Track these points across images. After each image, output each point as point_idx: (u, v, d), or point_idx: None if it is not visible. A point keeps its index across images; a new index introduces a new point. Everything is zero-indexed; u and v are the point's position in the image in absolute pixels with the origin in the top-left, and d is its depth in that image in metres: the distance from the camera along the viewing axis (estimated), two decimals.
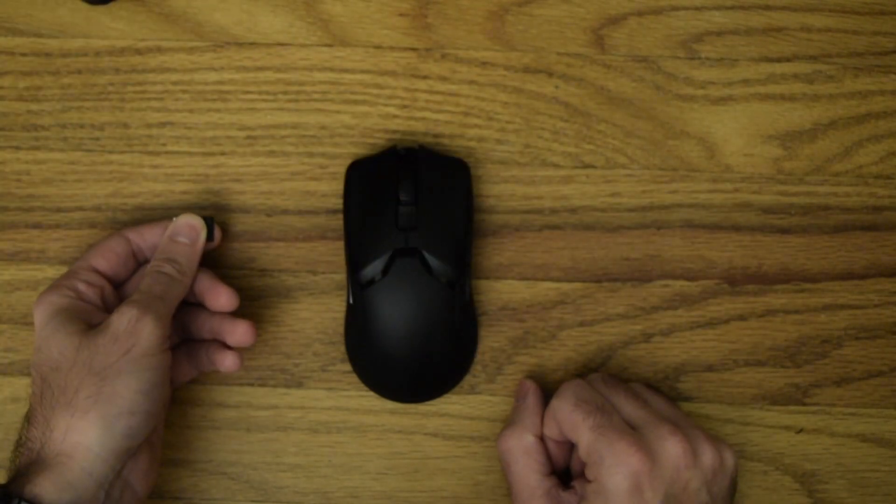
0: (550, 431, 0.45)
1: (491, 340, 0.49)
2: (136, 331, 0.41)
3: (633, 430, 0.42)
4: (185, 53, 0.49)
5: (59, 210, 0.49)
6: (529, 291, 0.49)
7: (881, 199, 0.49)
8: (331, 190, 0.49)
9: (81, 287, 0.44)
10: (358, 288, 0.46)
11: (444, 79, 0.49)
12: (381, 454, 0.49)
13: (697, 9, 0.50)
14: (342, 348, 0.49)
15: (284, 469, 0.49)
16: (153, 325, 0.42)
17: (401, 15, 0.50)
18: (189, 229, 0.46)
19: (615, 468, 0.41)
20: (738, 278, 0.49)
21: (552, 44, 0.49)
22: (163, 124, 0.49)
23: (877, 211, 0.49)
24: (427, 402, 0.49)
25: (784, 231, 0.49)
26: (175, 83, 0.49)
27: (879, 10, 0.50)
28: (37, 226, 0.49)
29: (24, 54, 0.50)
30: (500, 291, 0.49)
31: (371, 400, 0.49)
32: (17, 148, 0.49)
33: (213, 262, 0.49)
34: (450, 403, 0.49)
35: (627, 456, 0.41)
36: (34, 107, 0.50)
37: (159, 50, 0.50)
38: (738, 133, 0.49)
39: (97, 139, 0.49)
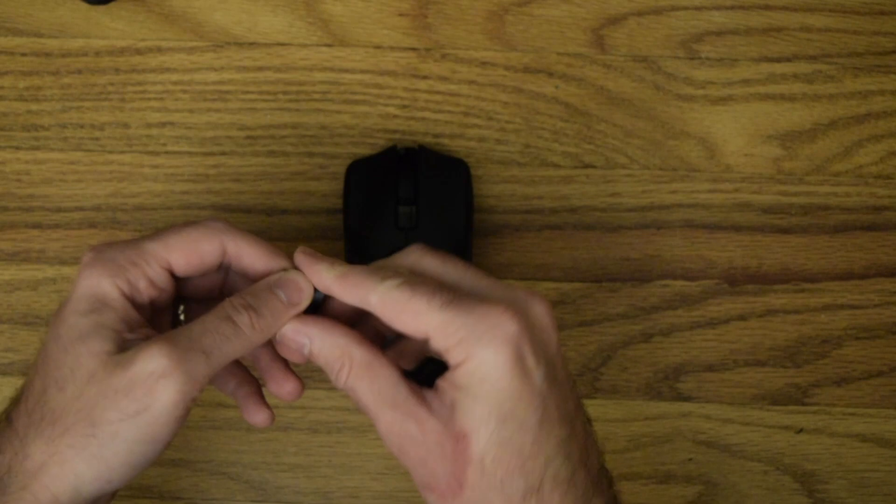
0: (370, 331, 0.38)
1: None
2: (154, 389, 0.33)
3: (489, 297, 0.35)
4: (185, 53, 0.49)
5: (59, 210, 0.49)
6: None
7: (881, 199, 0.49)
8: (331, 190, 0.49)
9: (142, 285, 0.36)
10: None
11: (444, 79, 0.49)
12: (381, 454, 0.49)
13: (697, 9, 0.50)
14: None
15: (284, 469, 0.49)
16: (178, 387, 0.33)
17: (401, 15, 0.50)
18: (295, 290, 0.37)
19: (488, 336, 0.33)
20: (738, 278, 0.49)
21: (552, 44, 0.49)
22: (163, 124, 0.49)
23: (877, 211, 0.49)
24: None
25: (784, 231, 0.49)
26: (175, 83, 0.49)
27: (879, 10, 0.50)
28: (37, 226, 0.49)
29: (24, 54, 0.50)
30: None
31: None
32: (17, 148, 0.49)
33: None
34: None
35: (500, 319, 0.34)
36: (34, 107, 0.50)
37: (159, 50, 0.50)
38: (738, 133, 0.49)
39: (97, 139, 0.49)
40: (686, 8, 0.50)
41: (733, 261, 0.49)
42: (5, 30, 0.50)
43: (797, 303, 0.49)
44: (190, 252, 0.36)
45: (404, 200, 0.46)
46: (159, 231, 0.37)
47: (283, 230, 0.49)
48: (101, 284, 0.35)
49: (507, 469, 0.34)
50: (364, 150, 0.49)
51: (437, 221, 0.46)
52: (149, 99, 0.49)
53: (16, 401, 0.36)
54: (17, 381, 0.49)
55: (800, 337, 0.49)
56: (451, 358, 0.34)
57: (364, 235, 0.46)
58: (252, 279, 0.37)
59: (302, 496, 0.49)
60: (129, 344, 0.35)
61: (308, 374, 0.49)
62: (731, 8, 0.50)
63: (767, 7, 0.50)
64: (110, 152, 0.49)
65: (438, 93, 0.49)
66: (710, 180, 0.49)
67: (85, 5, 0.50)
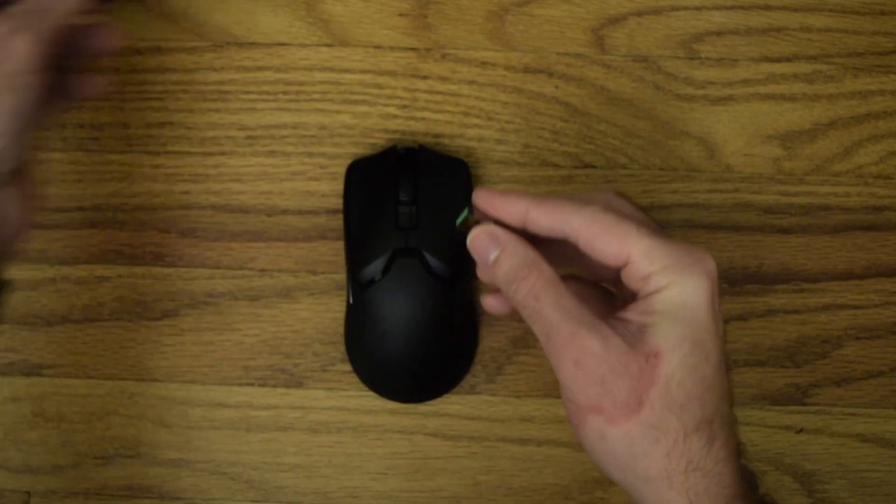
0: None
1: (491, 340, 0.49)
2: (8, 47, 0.36)
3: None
4: (185, 53, 0.49)
5: (59, 210, 0.49)
6: None
7: (881, 199, 0.49)
8: (331, 190, 0.49)
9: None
10: (358, 288, 0.46)
11: (444, 79, 0.49)
12: (381, 454, 0.49)
13: (697, 9, 0.50)
14: (342, 348, 0.49)
15: (284, 469, 0.49)
16: (31, 41, 0.36)
17: (401, 15, 0.50)
18: None
19: (694, 267, 0.35)
20: (738, 278, 0.49)
21: (552, 44, 0.49)
22: (163, 124, 0.49)
23: (877, 211, 0.49)
24: (427, 402, 0.49)
25: (784, 231, 0.49)
26: (175, 83, 0.49)
27: (879, 10, 0.50)
28: (37, 226, 0.49)
29: None
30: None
31: (371, 400, 0.49)
32: None
33: (213, 262, 0.49)
34: (450, 403, 0.49)
35: (704, 256, 0.35)
36: None
37: (159, 50, 0.50)
38: (738, 133, 0.49)
39: (97, 139, 0.49)
40: (686, 8, 0.50)
41: (733, 261, 0.49)
42: None
43: (797, 303, 0.49)
44: None
45: (404, 200, 0.46)
46: None
47: (283, 230, 0.49)
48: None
49: (688, 394, 0.35)
50: (364, 150, 0.49)
51: (437, 221, 0.46)
52: (149, 99, 0.49)
53: None
54: (17, 381, 0.49)
55: (800, 337, 0.49)
56: (651, 284, 0.35)
57: (364, 235, 0.46)
58: None
59: (302, 496, 0.49)
60: None
61: (308, 374, 0.49)
62: (731, 8, 0.50)
63: (767, 7, 0.50)
64: (110, 152, 0.49)
65: (438, 93, 0.49)
66: (710, 180, 0.49)
67: None
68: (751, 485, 0.36)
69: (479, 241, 0.37)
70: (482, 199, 0.38)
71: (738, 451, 0.36)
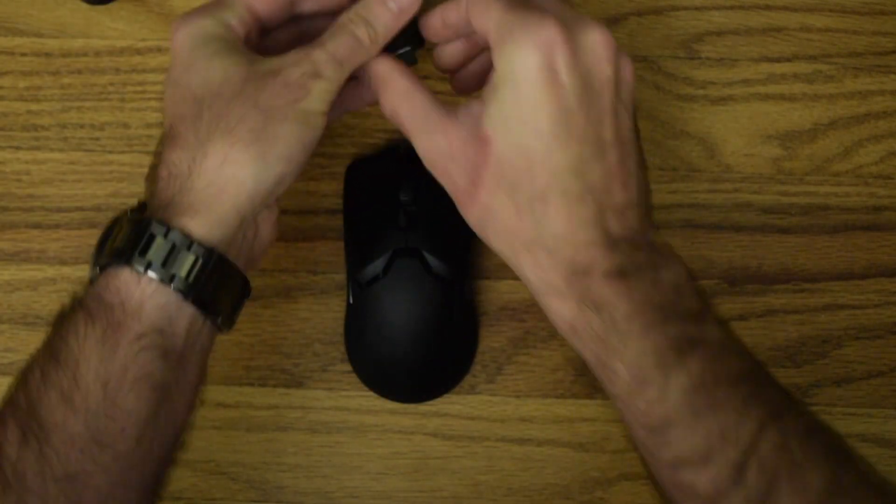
0: (448, 28, 0.41)
1: (491, 340, 0.49)
2: (307, 86, 0.38)
3: (549, 12, 0.37)
4: None
5: (59, 210, 0.49)
6: (529, 291, 0.49)
7: (881, 199, 0.49)
8: (331, 190, 0.49)
9: (233, 22, 0.39)
10: (358, 288, 0.46)
11: (444, 78, 0.49)
12: (381, 454, 0.49)
13: (697, 9, 0.50)
14: (342, 348, 0.49)
15: (284, 469, 0.49)
16: (325, 88, 0.38)
17: None
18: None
19: (525, 38, 0.35)
20: (738, 278, 0.49)
21: None
22: (162, 124, 0.49)
23: (877, 211, 0.49)
24: (427, 402, 0.49)
25: (784, 231, 0.49)
26: None
27: (879, 10, 0.50)
28: (37, 226, 0.49)
29: (24, 54, 0.50)
30: (500, 291, 0.49)
31: (371, 400, 0.49)
32: (17, 148, 0.49)
33: None
34: (450, 403, 0.49)
35: (540, 25, 0.36)
36: (34, 107, 0.50)
37: (159, 50, 0.50)
38: (738, 133, 0.49)
39: (97, 139, 0.49)
40: (686, 8, 0.50)
41: (733, 261, 0.49)
42: (5, 30, 0.50)
43: (797, 303, 0.49)
44: None
45: (404, 200, 0.46)
46: None
47: (283, 230, 0.49)
48: (201, 25, 0.39)
49: (516, 172, 0.36)
50: (364, 150, 0.49)
51: (437, 221, 0.46)
52: (149, 99, 0.49)
53: (172, 124, 0.39)
54: None
55: (800, 337, 0.49)
56: (495, 58, 0.37)
57: (364, 235, 0.46)
58: (327, 14, 0.41)
59: (302, 496, 0.49)
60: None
61: (308, 374, 0.49)
62: (731, 8, 0.50)
63: (767, 7, 0.50)
64: (110, 152, 0.49)
65: (438, 92, 0.49)
66: (710, 180, 0.49)
67: (85, 5, 0.50)
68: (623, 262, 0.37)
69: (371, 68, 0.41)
70: (428, 28, 0.41)
71: (598, 219, 0.37)
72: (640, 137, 0.39)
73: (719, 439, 0.36)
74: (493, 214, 0.38)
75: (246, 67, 0.38)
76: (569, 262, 0.37)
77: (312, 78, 0.38)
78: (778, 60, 0.50)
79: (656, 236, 0.39)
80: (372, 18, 0.39)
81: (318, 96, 0.38)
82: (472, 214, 0.38)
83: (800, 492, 0.35)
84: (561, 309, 0.38)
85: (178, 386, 0.38)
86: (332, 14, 0.40)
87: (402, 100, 0.39)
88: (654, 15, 0.50)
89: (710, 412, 0.36)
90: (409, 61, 0.41)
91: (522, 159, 0.36)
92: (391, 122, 0.40)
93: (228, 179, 0.37)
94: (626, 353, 0.36)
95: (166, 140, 0.38)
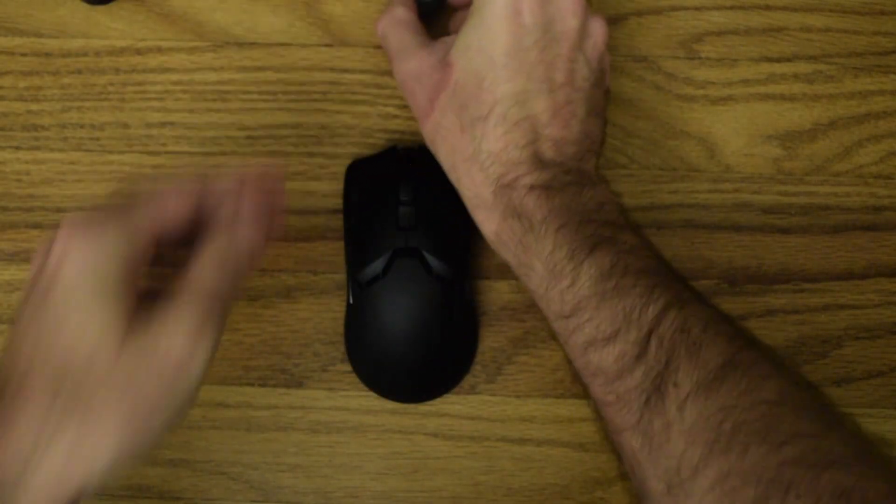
0: None
1: (491, 340, 0.49)
2: (190, 361, 0.34)
3: None
4: (185, 53, 0.49)
5: (59, 210, 0.49)
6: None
7: (881, 199, 0.49)
8: (331, 190, 0.49)
9: (139, 253, 0.35)
10: (358, 288, 0.46)
11: None
12: (381, 454, 0.49)
13: (697, 9, 0.50)
14: (342, 348, 0.49)
15: (284, 469, 0.49)
16: (210, 346, 0.34)
17: None
18: (258, 207, 0.38)
19: None
20: (738, 278, 0.49)
21: None
22: (163, 124, 0.49)
23: (877, 211, 0.49)
24: (427, 402, 0.49)
25: (784, 231, 0.49)
26: (175, 83, 0.49)
27: (879, 10, 0.50)
28: (37, 226, 0.49)
29: (24, 54, 0.50)
30: (500, 291, 0.49)
31: (371, 400, 0.49)
32: (17, 148, 0.49)
33: None
34: (450, 403, 0.49)
35: None
36: (34, 107, 0.50)
37: (159, 50, 0.50)
38: (738, 133, 0.49)
39: (97, 139, 0.49)
40: (686, 8, 0.50)
41: (733, 261, 0.49)
42: (5, 30, 0.50)
43: (797, 303, 0.49)
44: (169, 215, 0.37)
45: (404, 201, 0.46)
46: (136, 198, 0.36)
47: (283, 230, 0.49)
48: (102, 250, 0.34)
49: (467, 95, 0.41)
50: (364, 150, 0.49)
51: (437, 221, 0.46)
52: (149, 99, 0.49)
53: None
54: None
55: (800, 337, 0.49)
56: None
57: (364, 235, 0.46)
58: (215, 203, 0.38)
59: (302, 496, 0.49)
60: (144, 318, 0.34)
61: (308, 374, 0.49)
62: (731, 8, 0.50)
63: (767, 7, 0.50)
64: (110, 152, 0.49)
65: None
66: (710, 180, 0.49)
67: (85, 5, 0.50)
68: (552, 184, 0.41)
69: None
70: None
71: (517, 142, 0.41)
72: (609, 98, 0.44)
73: (624, 321, 0.39)
74: (441, 131, 0.42)
75: (124, 331, 0.33)
76: (498, 177, 0.41)
77: (197, 344, 0.34)
78: (778, 60, 0.50)
79: (595, 173, 0.43)
80: (245, 245, 0.37)
81: (202, 364, 0.34)
82: (427, 130, 0.43)
83: (696, 366, 0.38)
84: (488, 220, 0.42)
85: None
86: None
87: (393, 27, 0.44)
88: (654, 15, 0.50)
89: (617, 297, 0.39)
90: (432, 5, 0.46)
91: (474, 84, 0.41)
92: (381, 43, 0.45)
93: (73, 478, 0.32)
94: (542, 250, 0.40)
95: None
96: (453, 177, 0.43)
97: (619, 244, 0.40)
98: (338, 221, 0.49)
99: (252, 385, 0.49)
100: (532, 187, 0.41)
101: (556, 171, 0.41)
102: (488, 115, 0.41)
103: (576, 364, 0.41)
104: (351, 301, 0.47)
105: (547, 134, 0.41)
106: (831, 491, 0.34)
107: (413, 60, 0.43)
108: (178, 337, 0.33)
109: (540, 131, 0.41)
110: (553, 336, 0.49)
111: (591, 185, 0.42)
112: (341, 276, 0.49)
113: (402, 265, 0.45)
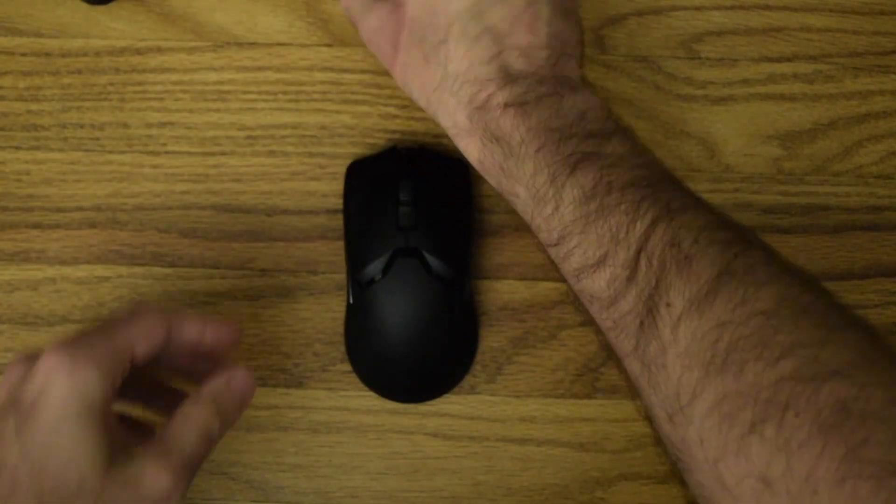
0: None
1: (491, 340, 0.49)
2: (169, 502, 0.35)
3: None
4: (185, 53, 0.50)
5: (59, 210, 0.49)
6: (529, 291, 0.49)
7: (881, 199, 0.49)
8: (331, 190, 0.49)
9: (118, 376, 0.36)
10: (358, 288, 0.46)
11: None
12: (381, 454, 0.49)
13: (697, 9, 0.50)
14: (342, 348, 0.49)
15: (284, 469, 0.49)
16: (182, 498, 0.36)
17: None
18: (248, 387, 0.39)
19: None
20: None
21: None
22: (163, 124, 0.49)
23: (877, 211, 0.49)
24: (427, 402, 0.49)
25: (784, 231, 0.49)
26: (175, 83, 0.49)
27: (879, 10, 0.50)
28: (37, 226, 0.49)
29: (24, 54, 0.50)
30: (500, 291, 0.49)
31: (371, 400, 0.49)
32: (17, 148, 0.49)
33: (214, 262, 0.49)
34: (450, 403, 0.49)
35: None
36: (34, 107, 0.50)
37: (159, 50, 0.50)
38: (738, 133, 0.49)
39: (97, 139, 0.49)
40: (686, 8, 0.50)
41: None
42: (5, 30, 0.50)
43: None
44: (145, 336, 0.37)
45: (404, 200, 0.46)
46: (110, 323, 0.37)
47: (283, 230, 0.49)
48: (88, 381, 0.35)
49: (423, 26, 0.41)
50: (364, 150, 0.49)
51: (437, 221, 0.46)
52: (149, 99, 0.49)
53: None
54: None
55: None
56: None
57: (364, 235, 0.46)
58: (186, 346, 0.40)
59: (302, 496, 0.49)
60: (120, 445, 0.35)
61: (308, 374, 0.49)
62: (731, 8, 0.50)
63: (767, 7, 0.50)
64: (110, 152, 0.49)
65: None
66: (710, 180, 0.49)
67: (85, 5, 0.50)
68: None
69: None
70: None
71: (481, 57, 0.40)
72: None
73: (611, 243, 0.36)
74: (408, 70, 0.42)
75: (107, 466, 0.34)
76: (469, 99, 0.40)
77: (174, 489, 0.35)
78: (778, 60, 0.50)
79: (577, 77, 0.41)
80: (228, 413, 0.38)
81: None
82: (397, 76, 0.43)
83: (688, 281, 0.35)
84: (469, 147, 0.40)
85: None
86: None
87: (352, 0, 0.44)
88: (654, 15, 0.50)
89: (602, 219, 0.37)
90: None
91: (427, 13, 0.41)
92: (348, 19, 0.45)
93: None
94: (523, 175, 0.38)
95: None
96: (431, 112, 0.42)
97: (602, 158, 0.38)
98: (338, 221, 0.49)
99: None
100: (506, 105, 0.39)
101: (529, 82, 0.39)
102: (447, 37, 0.40)
103: (573, 291, 0.39)
104: (351, 301, 0.47)
105: (511, 43, 0.39)
106: (832, 405, 0.32)
107: (371, 15, 0.43)
108: (156, 485, 0.35)
109: (503, 41, 0.39)
110: (553, 336, 0.49)
111: (572, 92, 0.39)
112: (341, 276, 0.49)
113: (402, 265, 0.45)
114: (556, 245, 0.38)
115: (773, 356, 0.33)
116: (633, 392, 0.39)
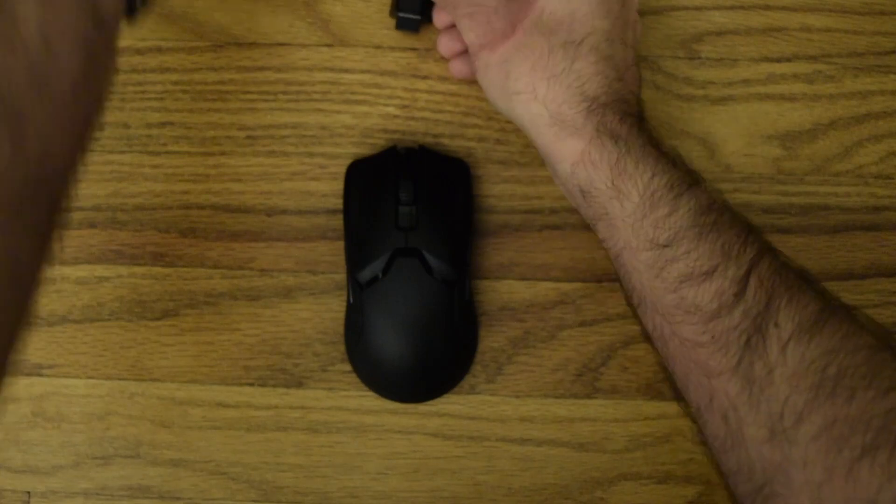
0: None
1: (491, 340, 0.49)
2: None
3: None
4: (185, 53, 0.49)
5: None
6: (529, 291, 0.49)
7: (881, 199, 0.49)
8: (331, 190, 0.49)
9: None
10: (358, 288, 0.46)
11: (444, 79, 0.49)
12: (381, 454, 0.49)
13: (697, 9, 0.50)
14: (342, 348, 0.49)
15: (284, 469, 0.49)
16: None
17: None
18: None
19: None
20: None
21: None
22: (163, 124, 0.49)
23: (877, 211, 0.49)
24: (427, 402, 0.49)
25: (784, 231, 0.49)
26: (175, 83, 0.49)
27: (879, 10, 0.50)
28: None
29: None
30: (500, 291, 0.49)
31: (371, 400, 0.49)
32: None
33: (213, 262, 0.49)
34: (450, 403, 0.49)
35: None
36: None
37: (159, 50, 0.50)
38: (738, 133, 0.49)
39: (97, 139, 0.49)
40: (686, 8, 0.50)
41: None
42: None
43: None
44: None
45: (404, 201, 0.46)
46: None
47: (283, 230, 0.49)
48: None
49: (558, 22, 0.42)
50: (364, 150, 0.49)
51: (437, 221, 0.46)
52: (149, 99, 0.49)
53: None
54: (18, 381, 0.49)
55: None
56: None
57: (364, 235, 0.46)
58: None
59: (302, 496, 0.49)
60: None
61: (308, 374, 0.49)
62: (731, 8, 0.50)
63: (767, 7, 0.50)
64: (110, 152, 0.49)
65: (438, 93, 0.49)
66: (710, 180, 0.49)
67: None
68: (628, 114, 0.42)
69: None
70: None
71: (606, 74, 0.42)
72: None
73: (723, 256, 0.38)
74: (524, 50, 0.42)
75: None
76: (593, 97, 0.41)
77: None
78: (778, 60, 0.50)
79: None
80: None
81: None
82: (503, 50, 0.43)
83: (797, 309, 0.37)
84: (572, 138, 0.41)
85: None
86: None
87: None
88: (654, 15, 0.50)
89: (716, 232, 0.38)
90: (411, 28, 0.48)
91: (567, 13, 0.42)
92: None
93: None
94: (641, 175, 0.40)
95: None
96: (529, 95, 0.42)
97: (711, 189, 0.40)
98: (338, 221, 0.49)
99: (252, 385, 0.49)
100: (625, 115, 0.41)
101: (640, 110, 0.43)
102: (582, 41, 0.42)
103: (664, 300, 0.39)
104: (351, 301, 0.47)
105: (627, 79, 0.42)
106: None
107: None
108: None
109: (621, 72, 0.42)
110: (553, 336, 0.49)
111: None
112: (341, 276, 0.49)
113: (402, 265, 0.45)
114: (665, 246, 0.39)
115: (882, 387, 0.35)
116: (690, 414, 0.40)
